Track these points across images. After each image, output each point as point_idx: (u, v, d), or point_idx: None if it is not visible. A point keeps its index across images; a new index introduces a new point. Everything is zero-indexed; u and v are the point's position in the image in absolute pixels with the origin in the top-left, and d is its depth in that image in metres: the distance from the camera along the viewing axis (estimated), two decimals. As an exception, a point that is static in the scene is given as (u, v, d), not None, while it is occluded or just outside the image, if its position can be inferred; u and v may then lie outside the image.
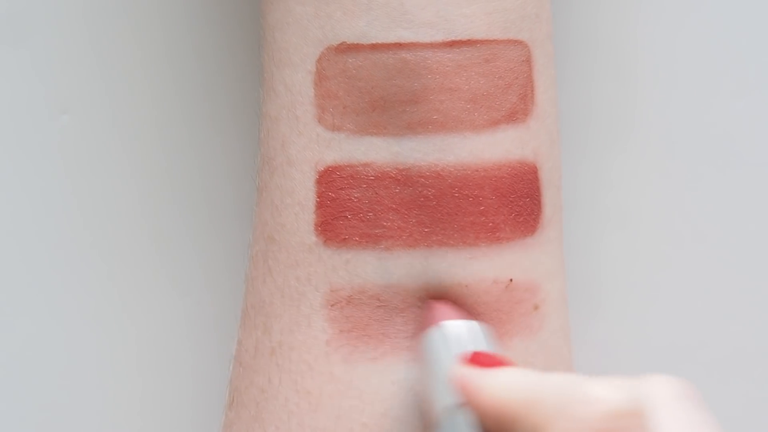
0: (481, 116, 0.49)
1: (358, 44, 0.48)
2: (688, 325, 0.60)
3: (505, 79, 0.49)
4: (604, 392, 0.41)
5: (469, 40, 0.48)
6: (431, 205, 0.48)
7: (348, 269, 0.48)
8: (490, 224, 0.48)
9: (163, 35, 0.60)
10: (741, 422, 0.60)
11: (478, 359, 0.45)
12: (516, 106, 0.49)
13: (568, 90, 0.58)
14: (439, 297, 0.48)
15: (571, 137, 0.59)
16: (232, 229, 0.59)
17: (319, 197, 0.49)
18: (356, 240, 0.48)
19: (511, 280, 0.49)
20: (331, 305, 0.48)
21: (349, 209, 0.49)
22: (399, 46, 0.48)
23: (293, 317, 0.49)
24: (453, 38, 0.48)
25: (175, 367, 0.61)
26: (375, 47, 0.48)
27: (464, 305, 0.48)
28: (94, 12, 0.59)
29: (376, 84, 0.48)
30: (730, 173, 0.60)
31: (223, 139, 0.60)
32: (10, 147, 0.60)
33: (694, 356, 0.60)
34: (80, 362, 0.61)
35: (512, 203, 0.49)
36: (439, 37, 0.48)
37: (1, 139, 0.60)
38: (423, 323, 0.48)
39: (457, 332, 0.46)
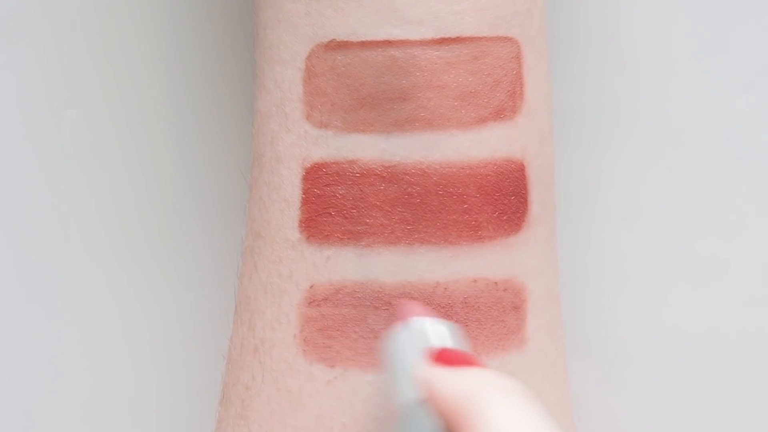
0: (469, 114, 0.48)
1: (347, 41, 0.48)
2: (685, 321, 0.60)
3: (493, 76, 0.49)
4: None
5: (458, 37, 0.48)
6: (415, 202, 0.48)
7: (328, 266, 0.48)
8: (473, 223, 0.48)
9: (164, 33, 0.60)
10: (740, 420, 0.60)
11: (444, 357, 0.44)
12: (504, 103, 0.49)
13: (565, 85, 0.58)
14: (416, 295, 0.48)
15: (569, 133, 0.59)
16: (239, 223, 0.59)
17: (304, 194, 0.49)
18: (338, 237, 0.48)
19: (493, 281, 0.49)
20: (309, 303, 0.48)
21: (333, 206, 0.48)
22: (388, 43, 0.48)
23: (275, 314, 0.49)
24: (443, 35, 0.48)
25: (178, 361, 0.61)
26: (364, 44, 0.48)
27: (442, 304, 0.48)
28: (97, 8, 0.60)
29: (365, 81, 0.48)
30: (729, 168, 0.59)
31: (231, 135, 0.60)
32: (16, 141, 0.60)
33: (693, 354, 0.60)
34: (85, 357, 0.61)
35: (496, 201, 0.49)
36: (429, 35, 0.48)
37: (7, 134, 0.60)
38: (392, 320, 0.47)
39: (424, 329, 0.45)
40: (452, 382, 0.42)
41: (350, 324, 0.48)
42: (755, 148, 0.59)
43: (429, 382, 0.43)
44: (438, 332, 0.45)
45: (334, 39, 0.48)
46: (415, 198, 0.48)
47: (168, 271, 0.61)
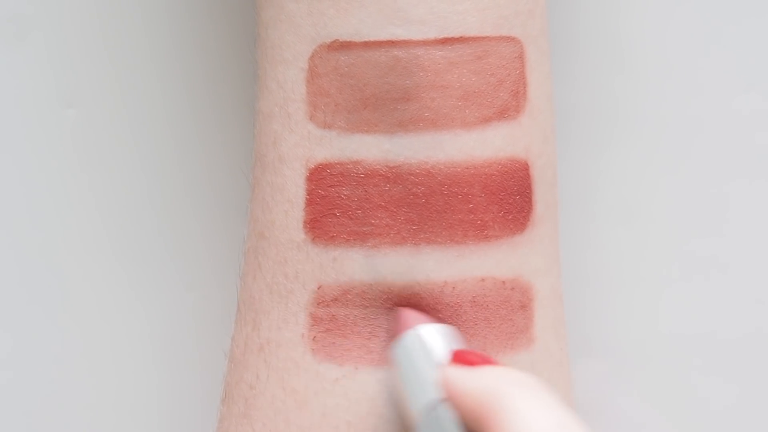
0: (472, 113, 0.49)
1: (350, 42, 0.48)
2: (687, 321, 0.60)
3: (496, 76, 0.49)
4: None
5: (461, 37, 0.48)
6: (420, 202, 0.48)
7: (335, 267, 0.48)
8: (479, 222, 0.48)
9: (165, 33, 0.60)
10: (742, 418, 0.60)
11: (462, 357, 0.45)
12: (507, 103, 0.49)
13: (566, 85, 0.58)
14: (425, 295, 0.48)
15: (571, 132, 0.59)
16: (240, 224, 0.59)
17: (308, 194, 0.49)
18: (344, 238, 0.48)
19: (501, 280, 0.49)
20: (318, 303, 0.48)
21: (338, 207, 0.48)
22: (391, 43, 0.48)
23: (281, 314, 0.49)
24: (445, 35, 0.48)
25: (180, 361, 0.61)
26: (367, 45, 0.48)
27: (451, 303, 0.48)
28: (98, 8, 0.60)
29: (368, 82, 0.48)
30: (730, 168, 0.59)
31: (232, 135, 0.60)
32: (16, 141, 0.60)
33: (693, 353, 0.60)
34: (86, 356, 0.61)
35: (502, 201, 0.49)
36: (432, 35, 0.48)
37: (8, 134, 0.60)
38: (393, 329, 0.48)
39: (433, 334, 0.47)
40: (472, 380, 0.44)
41: (360, 323, 0.48)
42: (755, 148, 0.59)
43: (449, 381, 0.44)
44: (445, 336, 0.47)
45: (337, 39, 0.48)
46: (420, 198, 0.48)
47: (169, 271, 0.61)
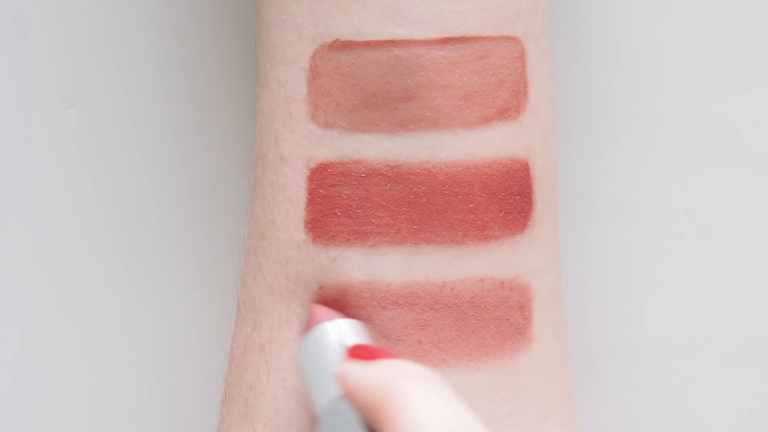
0: (473, 113, 0.49)
1: (351, 41, 0.48)
2: (686, 321, 0.60)
3: (497, 75, 0.49)
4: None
5: (462, 37, 0.48)
6: (421, 202, 0.48)
7: (335, 267, 0.48)
8: (479, 222, 0.48)
9: (165, 32, 0.60)
10: (743, 418, 0.60)
11: (357, 352, 0.45)
12: (508, 102, 0.49)
13: (565, 85, 0.58)
14: (423, 295, 0.48)
15: (570, 133, 0.59)
16: (241, 224, 0.59)
17: (310, 194, 0.49)
18: (344, 237, 0.48)
19: (499, 280, 0.49)
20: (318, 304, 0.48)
21: (339, 206, 0.49)
22: (392, 43, 0.48)
23: (283, 315, 0.49)
24: (447, 35, 0.48)
25: (181, 361, 0.61)
26: (368, 44, 0.48)
27: (449, 303, 0.48)
28: (99, 8, 0.60)
29: (369, 81, 0.48)
30: (730, 168, 0.59)
31: (233, 135, 0.60)
32: (17, 141, 0.60)
33: (693, 353, 0.60)
34: (88, 356, 0.61)
35: (502, 201, 0.49)
36: (433, 34, 0.48)
37: (7, 134, 0.60)
38: (304, 327, 0.48)
39: (333, 331, 0.46)
40: (368, 374, 0.43)
41: None
42: (755, 148, 0.59)
43: (344, 376, 0.44)
44: (347, 332, 0.46)
45: (338, 39, 0.48)
46: (421, 198, 0.48)
47: (170, 271, 0.61)
